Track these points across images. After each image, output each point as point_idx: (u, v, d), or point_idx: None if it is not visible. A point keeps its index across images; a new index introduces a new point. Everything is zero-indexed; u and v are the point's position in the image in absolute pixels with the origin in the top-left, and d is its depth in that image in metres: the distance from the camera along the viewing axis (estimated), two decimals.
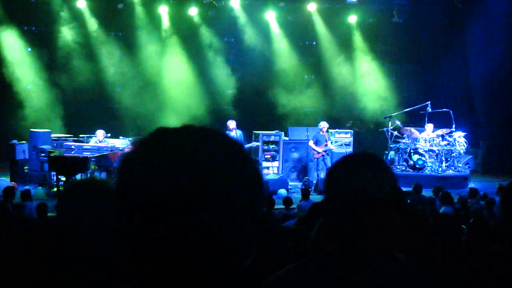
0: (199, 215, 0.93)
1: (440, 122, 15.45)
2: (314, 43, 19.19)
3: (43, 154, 13.26)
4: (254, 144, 14.86)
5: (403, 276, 1.59)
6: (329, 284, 1.55)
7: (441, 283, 1.68)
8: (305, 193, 10.55)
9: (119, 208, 0.98)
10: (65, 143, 13.63)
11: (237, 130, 14.32)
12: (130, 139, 14.07)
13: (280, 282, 1.61)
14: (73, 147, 13.05)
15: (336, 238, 1.57)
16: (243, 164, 1.00)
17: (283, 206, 9.58)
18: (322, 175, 13.84)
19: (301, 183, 14.35)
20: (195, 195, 0.93)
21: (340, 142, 15.15)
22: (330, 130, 14.99)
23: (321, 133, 14.46)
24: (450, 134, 15.11)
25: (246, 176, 0.99)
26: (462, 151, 15.27)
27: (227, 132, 14.18)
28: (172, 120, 16.18)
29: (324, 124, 14.51)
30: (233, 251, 0.97)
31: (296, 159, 15.56)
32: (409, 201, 9.14)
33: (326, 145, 14.35)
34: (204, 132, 1.03)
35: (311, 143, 14.49)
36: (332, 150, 14.63)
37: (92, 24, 17.21)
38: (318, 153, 14.27)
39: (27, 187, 11.88)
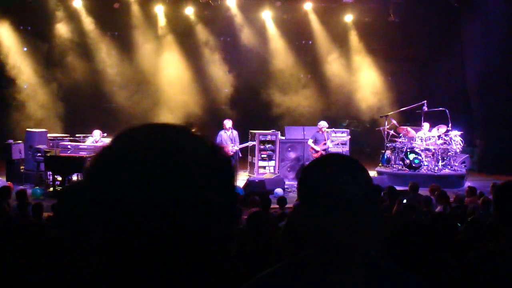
0: (160, 215, 0.92)
1: (436, 121, 15.47)
2: (310, 42, 19.21)
3: (39, 154, 13.24)
4: (250, 143, 14.86)
5: (382, 277, 1.61)
6: (309, 286, 1.56)
7: (419, 283, 1.69)
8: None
9: (86, 211, 0.98)
10: (61, 143, 13.60)
11: (233, 130, 14.31)
12: None
13: (260, 284, 1.62)
14: (69, 146, 13.02)
15: (312, 240, 1.57)
16: (208, 162, 0.99)
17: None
18: None
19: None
20: (157, 195, 0.92)
21: (336, 141, 15.16)
22: (327, 129, 15.01)
23: (320, 132, 14.50)
24: (446, 133, 15.14)
25: (210, 174, 0.98)
26: (458, 150, 15.30)
27: (223, 131, 14.21)
28: (169, 119, 16.16)
29: (323, 124, 14.54)
30: (200, 249, 0.96)
31: (293, 158, 15.57)
32: (405, 200, 9.15)
33: (325, 143, 14.37)
34: (165, 130, 1.02)
35: (310, 142, 14.52)
36: (329, 149, 14.63)
37: (88, 23, 17.18)
38: (317, 152, 14.30)
39: (21, 187, 11.85)
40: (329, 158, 1.65)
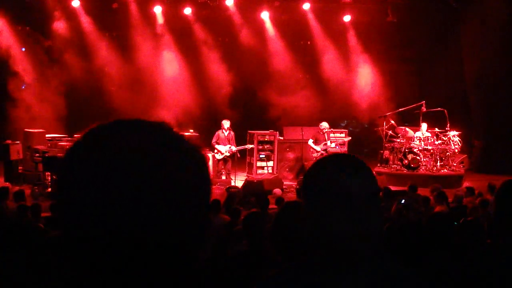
0: (130, 219, 0.91)
1: (434, 121, 15.48)
2: (308, 42, 19.20)
3: (38, 154, 13.22)
4: (248, 146, 14.82)
5: (388, 276, 1.60)
6: (315, 287, 1.56)
7: (426, 283, 1.69)
8: (299, 192, 10.64)
9: (57, 213, 0.96)
10: (59, 143, 13.58)
11: (231, 131, 14.28)
12: None
13: (266, 286, 1.62)
14: (67, 147, 12.99)
15: (317, 240, 1.57)
16: (183, 162, 0.97)
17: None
18: None
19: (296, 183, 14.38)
20: (128, 196, 0.91)
21: (336, 142, 15.15)
22: (327, 130, 14.97)
23: (321, 132, 14.49)
24: (444, 133, 15.16)
25: (184, 175, 0.96)
26: (456, 150, 15.31)
27: (221, 131, 14.19)
28: (167, 119, 16.14)
29: (324, 125, 14.54)
30: (167, 256, 0.95)
31: (291, 158, 15.57)
32: (403, 200, 9.16)
33: (325, 144, 14.36)
34: (137, 126, 1.00)
35: (310, 142, 14.51)
36: (328, 150, 14.63)
37: (87, 23, 17.17)
38: (317, 152, 14.30)
39: (19, 187, 11.83)
40: (334, 158, 1.64)
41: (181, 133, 1.02)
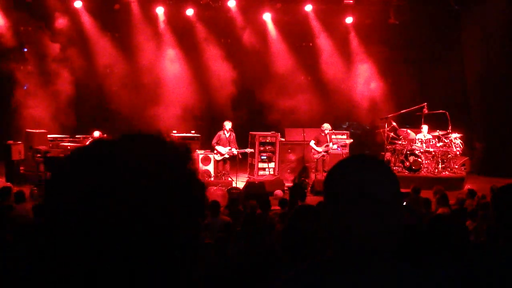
0: (128, 227, 0.94)
1: (436, 123, 15.47)
2: (310, 44, 19.19)
3: (39, 155, 13.23)
4: (248, 150, 14.79)
5: (406, 276, 1.60)
6: (334, 286, 1.56)
7: (440, 284, 1.69)
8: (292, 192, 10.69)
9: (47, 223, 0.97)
10: (61, 144, 13.59)
11: (232, 133, 14.27)
12: None
13: (284, 285, 1.61)
14: (69, 147, 13.03)
15: (338, 240, 1.57)
16: (176, 176, 1.01)
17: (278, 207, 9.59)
18: (319, 176, 13.94)
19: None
20: (128, 206, 0.94)
21: (337, 143, 15.14)
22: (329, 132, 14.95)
23: (322, 134, 14.48)
24: (446, 135, 15.15)
25: (179, 186, 1.00)
26: (458, 153, 15.30)
27: (222, 132, 14.19)
28: (169, 120, 16.19)
29: (326, 126, 14.53)
30: (156, 263, 0.97)
31: (293, 160, 15.57)
32: (404, 202, 9.16)
33: (327, 145, 14.35)
34: (140, 141, 1.05)
35: (312, 143, 14.50)
36: (329, 151, 14.62)
37: (89, 24, 17.19)
38: (319, 153, 14.28)
39: (20, 187, 11.83)
40: (357, 158, 1.65)
41: (169, 142, 1.05)
